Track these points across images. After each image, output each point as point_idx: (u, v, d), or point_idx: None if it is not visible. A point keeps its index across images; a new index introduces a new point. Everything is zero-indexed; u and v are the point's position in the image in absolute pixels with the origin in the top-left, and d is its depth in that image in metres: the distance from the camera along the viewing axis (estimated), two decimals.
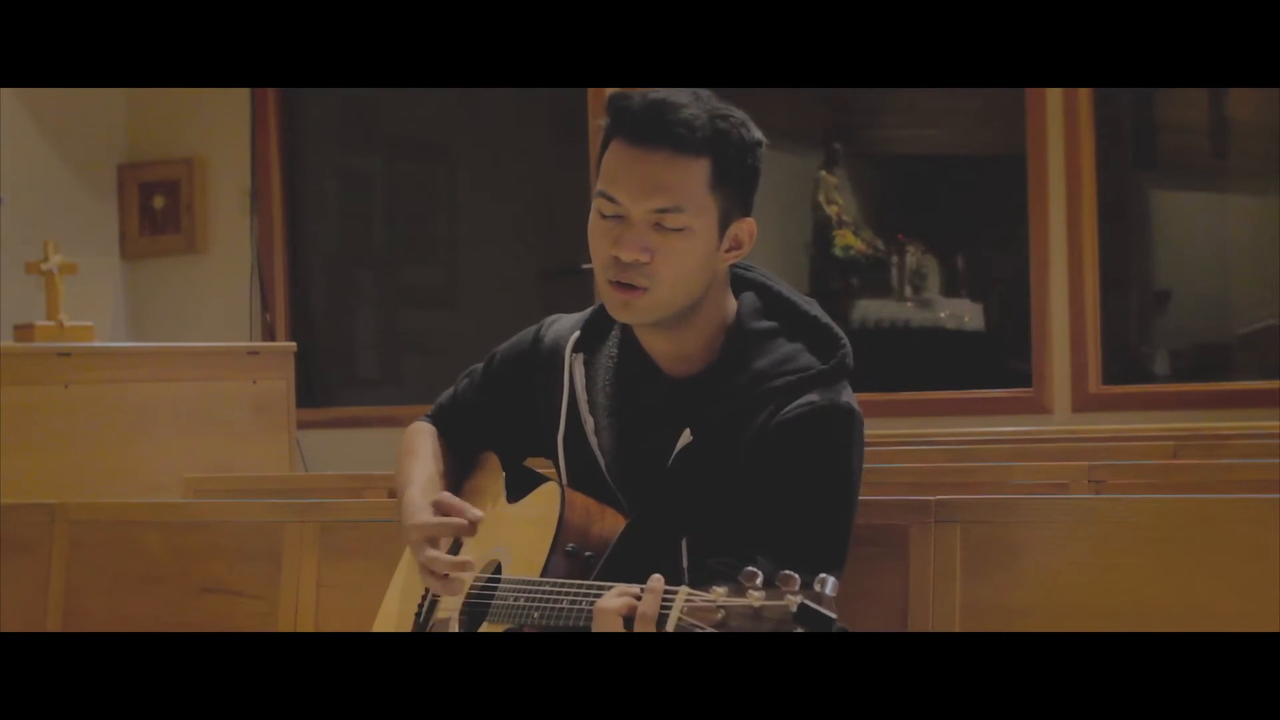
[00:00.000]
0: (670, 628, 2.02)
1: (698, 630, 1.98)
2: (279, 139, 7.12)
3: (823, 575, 1.94)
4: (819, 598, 1.92)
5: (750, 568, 1.97)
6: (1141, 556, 2.34)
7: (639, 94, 2.33)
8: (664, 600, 2.06)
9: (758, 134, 2.37)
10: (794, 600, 1.92)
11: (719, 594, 1.98)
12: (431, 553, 2.41)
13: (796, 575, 1.94)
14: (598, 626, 2.15)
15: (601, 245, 2.35)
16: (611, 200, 2.33)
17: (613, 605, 2.14)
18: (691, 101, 2.32)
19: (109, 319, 7.04)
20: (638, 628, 2.10)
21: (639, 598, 2.11)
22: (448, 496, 2.47)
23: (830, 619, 1.91)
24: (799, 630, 1.92)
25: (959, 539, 2.46)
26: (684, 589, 2.03)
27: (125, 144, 7.23)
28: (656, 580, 2.11)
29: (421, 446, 2.65)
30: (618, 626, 2.12)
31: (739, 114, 2.36)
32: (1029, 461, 3.77)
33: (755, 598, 1.94)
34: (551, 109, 7.00)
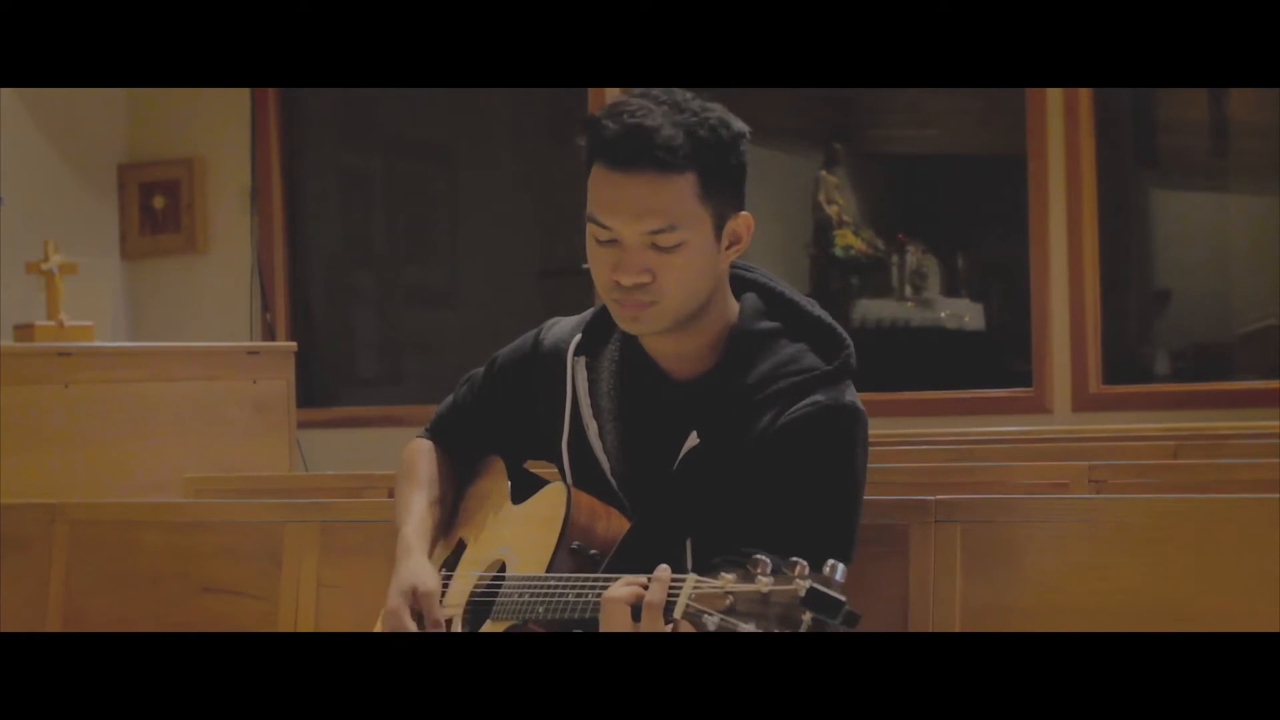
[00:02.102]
0: (678, 614, 2.02)
1: (706, 616, 1.97)
2: (279, 139, 7.12)
3: (832, 561, 1.94)
4: (828, 581, 1.92)
5: (759, 555, 1.97)
6: (1141, 556, 2.34)
7: (613, 118, 2.30)
8: (672, 587, 2.06)
9: (738, 126, 2.35)
10: (803, 585, 1.92)
11: (727, 580, 1.98)
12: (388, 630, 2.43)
13: (804, 561, 1.94)
14: (604, 616, 2.14)
15: (602, 271, 2.34)
16: (603, 226, 2.32)
17: (620, 595, 2.14)
18: (666, 119, 2.28)
19: (109, 319, 7.04)
20: (645, 617, 2.09)
21: (647, 588, 2.11)
22: (430, 601, 2.43)
23: (840, 601, 1.91)
24: (807, 614, 1.91)
25: (959, 539, 2.46)
26: (692, 576, 2.03)
27: (125, 144, 7.23)
28: (663, 569, 2.11)
29: (419, 470, 2.63)
30: (625, 616, 2.12)
31: (716, 112, 2.33)
32: (1029, 461, 3.77)
33: (763, 583, 1.95)
34: (551, 109, 7.01)
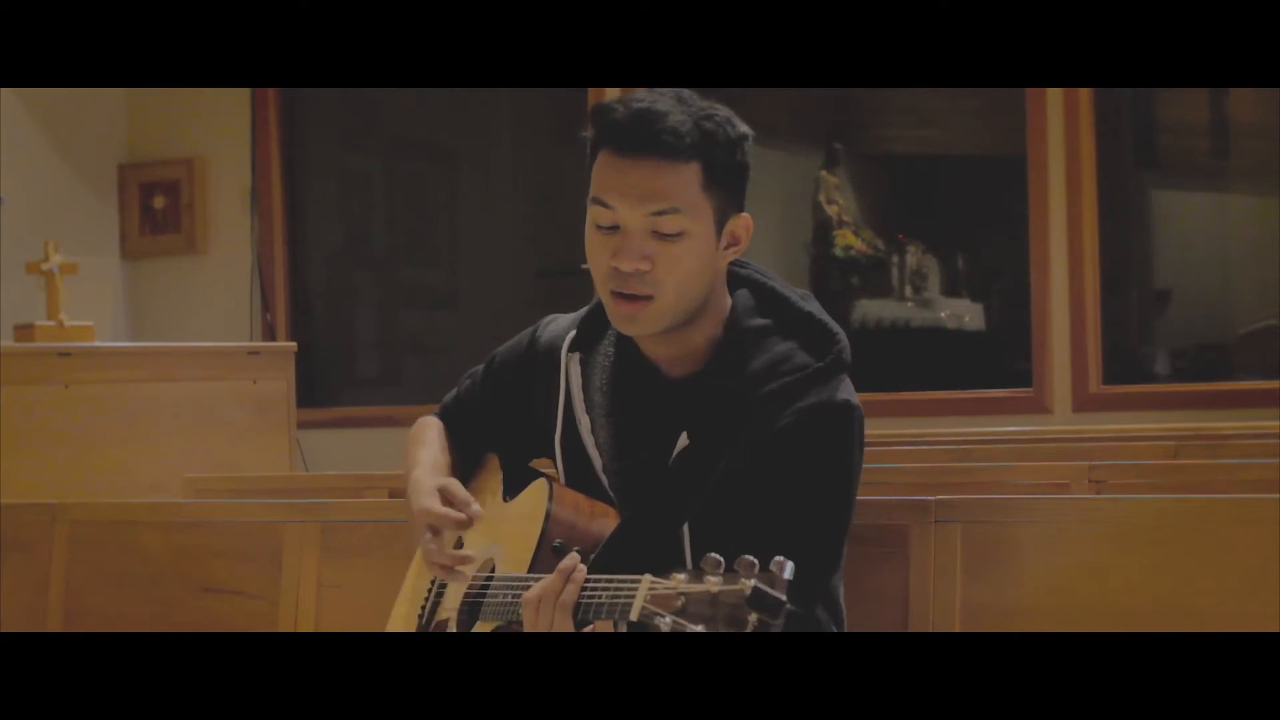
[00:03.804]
0: (634, 617, 2.02)
1: (658, 618, 1.97)
2: (279, 139, 7.12)
3: (780, 559, 1.93)
4: (773, 581, 1.92)
5: (713, 554, 1.97)
6: (1141, 556, 2.34)
7: (622, 104, 2.32)
8: (629, 589, 2.06)
9: (743, 128, 2.36)
10: (748, 584, 1.92)
11: (679, 581, 1.98)
12: (433, 543, 2.41)
13: (755, 560, 1.94)
14: (524, 618, 2.18)
15: (601, 258, 2.34)
16: (606, 206, 2.32)
17: (531, 596, 2.17)
18: (675, 107, 2.31)
19: (109, 319, 7.04)
20: (556, 617, 2.13)
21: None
22: (454, 486, 2.45)
23: (781, 601, 1.90)
24: (752, 615, 1.91)
25: (959, 539, 2.46)
26: (648, 577, 2.03)
27: (125, 144, 7.23)
28: (579, 571, 2.15)
29: (429, 436, 2.65)
30: (547, 616, 2.15)
31: (722, 111, 2.35)
32: (1029, 461, 3.77)
33: (713, 584, 1.95)
34: (551, 109, 7.01)
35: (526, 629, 2.19)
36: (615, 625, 2.12)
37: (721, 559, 1.96)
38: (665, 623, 1.97)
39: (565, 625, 2.15)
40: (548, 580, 2.18)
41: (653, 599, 1.99)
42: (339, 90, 7.09)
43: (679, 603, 1.97)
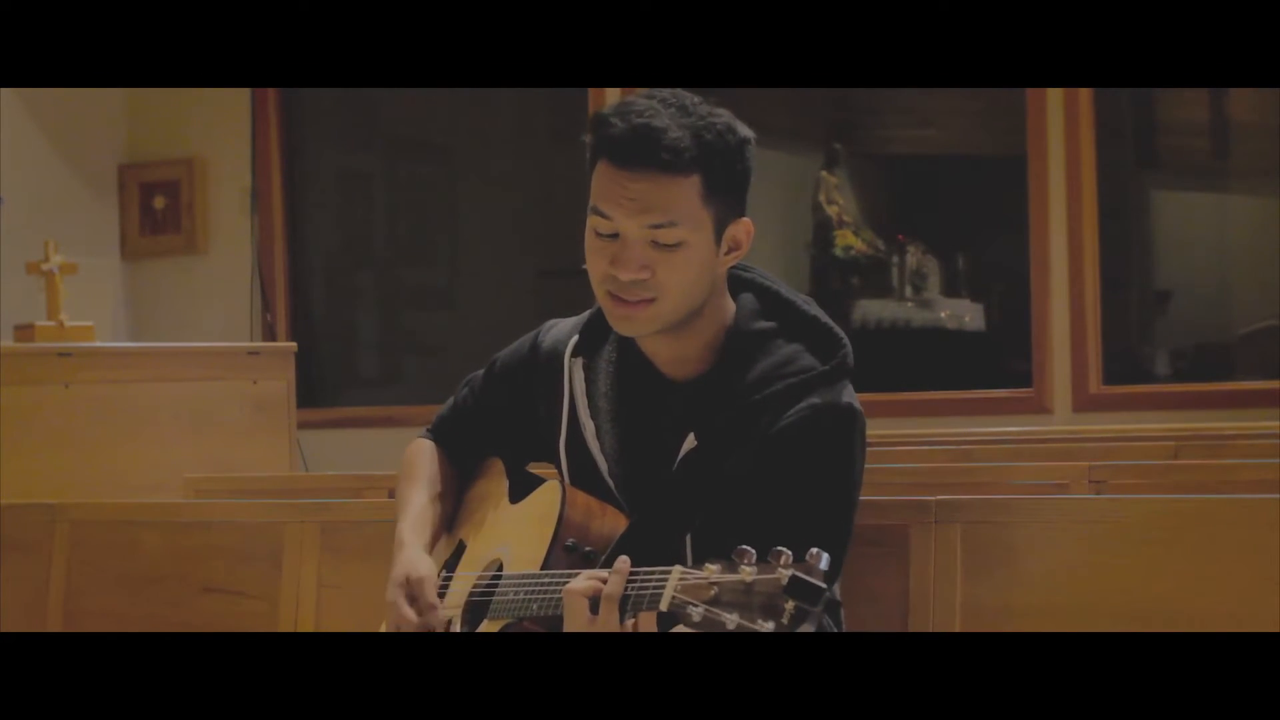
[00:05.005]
0: (664, 607, 2.02)
1: (690, 608, 1.97)
2: (279, 139, 7.12)
3: (815, 549, 1.94)
4: (810, 569, 1.92)
5: (744, 546, 1.97)
6: (1141, 556, 2.34)
7: (620, 116, 2.30)
8: (658, 579, 2.06)
9: (744, 132, 2.35)
10: (785, 573, 1.92)
11: (711, 570, 1.98)
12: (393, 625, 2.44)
13: (788, 551, 1.94)
14: (565, 609, 2.17)
15: (599, 264, 2.34)
16: (605, 217, 2.32)
17: (579, 588, 2.16)
18: (674, 120, 2.29)
19: (109, 319, 7.04)
20: (603, 610, 2.11)
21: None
22: (421, 582, 2.45)
23: (821, 588, 1.91)
24: (790, 603, 1.91)
25: (959, 539, 2.46)
26: (678, 567, 2.03)
27: (125, 144, 7.23)
28: (623, 562, 2.13)
29: (419, 468, 2.64)
30: (584, 609, 2.14)
31: (723, 117, 2.33)
32: (1029, 461, 3.77)
33: (747, 573, 1.95)
34: (551, 109, 7.01)
35: (567, 628, 2.18)
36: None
37: (753, 550, 1.96)
38: (697, 612, 1.97)
39: (611, 618, 2.13)
40: (592, 577, 2.17)
41: (683, 589, 2.00)
42: (339, 90, 7.09)
43: (712, 592, 1.97)
